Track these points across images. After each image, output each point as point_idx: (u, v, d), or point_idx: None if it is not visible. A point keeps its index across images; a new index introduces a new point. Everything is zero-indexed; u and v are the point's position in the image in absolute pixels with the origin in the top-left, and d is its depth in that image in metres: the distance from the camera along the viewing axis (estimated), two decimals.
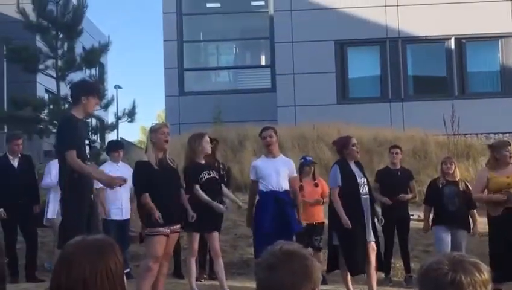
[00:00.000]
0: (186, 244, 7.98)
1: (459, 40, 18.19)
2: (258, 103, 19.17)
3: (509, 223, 7.27)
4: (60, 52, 14.82)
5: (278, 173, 7.49)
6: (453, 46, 18.18)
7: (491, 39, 18.21)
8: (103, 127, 18.67)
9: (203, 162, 7.49)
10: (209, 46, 23.27)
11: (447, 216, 8.34)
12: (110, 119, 19.04)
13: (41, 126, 14.71)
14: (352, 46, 18.52)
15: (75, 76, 14.06)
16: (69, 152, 6.05)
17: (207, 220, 7.37)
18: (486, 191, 7.73)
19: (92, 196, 6.57)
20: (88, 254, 2.15)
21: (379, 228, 8.14)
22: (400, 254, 9.17)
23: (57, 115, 13.93)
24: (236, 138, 15.86)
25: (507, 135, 16.22)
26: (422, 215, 9.31)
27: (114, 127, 17.14)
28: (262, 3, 21.78)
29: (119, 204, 8.96)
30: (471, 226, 8.49)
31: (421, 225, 9.12)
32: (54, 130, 13.82)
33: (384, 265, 8.33)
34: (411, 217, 9.65)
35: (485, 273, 2.00)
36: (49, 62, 14.73)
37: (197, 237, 7.52)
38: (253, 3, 22.77)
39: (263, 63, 22.01)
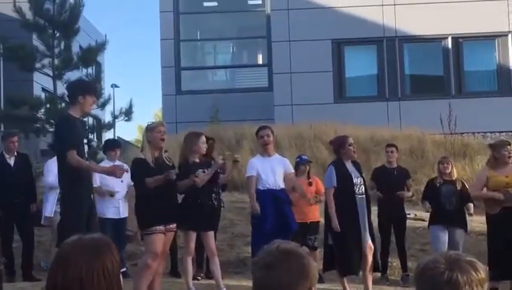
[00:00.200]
0: (183, 243, 7.97)
1: (456, 39, 18.21)
2: (255, 101, 19.17)
3: (508, 221, 7.28)
4: (56, 50, 14.81)
5: (275, 171, 7.52)
6: (450, 46, 18.20)
7: (488, 38, 18.24)
8: (100, 126, 18.68)
9: (197, 160, 7.49)
10: (206, 45, 23.26)
11: (444, 215, 8.35)
12: (107, 118, 19.08)
13: (38, 125, 14.69)
14: (349, 45, 18.53)
15: (72, 75, 14.05)
16: (70, 152, 6.04)
17: (203, 219, 7.37)
18: (485, 189, 7.74)
19: (92, 195, 6.56)
20: (84, 253, 2.14)
21: (375, 227, 8.14)
22: (396, 252, 9.17)
23: (54, 114, 13.92)
24: (234, 137, 15.87)
25: (504, 134, 16.25)
26: (418, 214, 9.34)
27: (111, 126, 17.15)
28: (259, 2, 21.76)
29: (116, 203, 8.94)
30: (469, 212, 8.41)
31: (418, 223, 9.13)
32: (51, 129, 13.81)
33: (380, 264, 8.33)
34: (408, 216, 9.66)
35: (482, 272, 2.00)
36: (46, 61, 14.72)
37: (193, 236, 7.51)
38: (250, 2, 22.76)
39: (260, 62, 22.00)
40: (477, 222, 9.74)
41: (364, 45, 18.58)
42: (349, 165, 7.58)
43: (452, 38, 18.16)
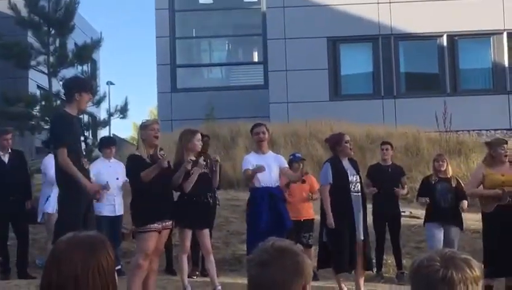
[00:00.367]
0: (178, 241, 7.96)
1: (451, 37, 18.24)
2: (250, 99, 19.16)
3: (503, 219, 7.27)
4: (51, 48, 14.78)
5: (270, 168, 7.50)
6: (445, 43, 18.22)
7: (483, 36, 18.27)
8: (95, 124, 18.66)
9: (193, 158, 7.48)
10: (201, 43, 23.26)
11: (439, 213, 8.37)
12: (102, 115, 19.05)
13: (33, 122, 14.65)
14: (344, 42, 18.55)
15: (67, 72, 14.03)
16: (60, 150, 6.02)
17: (199, 217, 7.36)
18: (481, 187, 7.72)
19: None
20: (79, 250, 2.13)
21: (370, 224, 8.15)
22: (391, 250, 9.19)
23: (49, 111, 13.89)
24: (229, 135, 15.88)
25: (498, 131, 16.31)
26: (413, 212, 9.35)
27: (106, 123, 17.13)
28: None
29: (112, 200, 8.91)
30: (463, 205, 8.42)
31: (413, 221, 9.14)
32: (46, 127, 13.78)
33: (375, 262, 8.34)
34: (402, 213, 9.67)
35: (476, 269, 2.01)
36: (41, 58, 14.68)
37: (189, 233, 7.51)
38: None
39: (256, 59, 22.01)
40: (472, 219, 9.75)
41: (360, 43, 18.59)
42: (345, 163, 7.57)
43: (447, 36, 18.18)
